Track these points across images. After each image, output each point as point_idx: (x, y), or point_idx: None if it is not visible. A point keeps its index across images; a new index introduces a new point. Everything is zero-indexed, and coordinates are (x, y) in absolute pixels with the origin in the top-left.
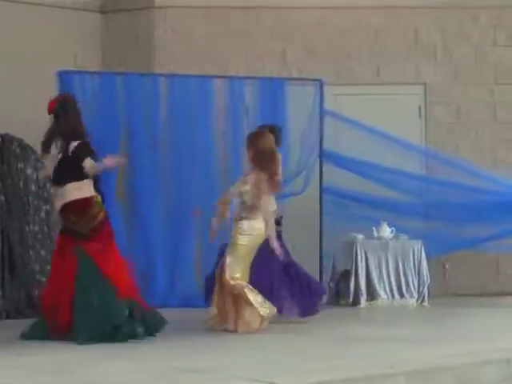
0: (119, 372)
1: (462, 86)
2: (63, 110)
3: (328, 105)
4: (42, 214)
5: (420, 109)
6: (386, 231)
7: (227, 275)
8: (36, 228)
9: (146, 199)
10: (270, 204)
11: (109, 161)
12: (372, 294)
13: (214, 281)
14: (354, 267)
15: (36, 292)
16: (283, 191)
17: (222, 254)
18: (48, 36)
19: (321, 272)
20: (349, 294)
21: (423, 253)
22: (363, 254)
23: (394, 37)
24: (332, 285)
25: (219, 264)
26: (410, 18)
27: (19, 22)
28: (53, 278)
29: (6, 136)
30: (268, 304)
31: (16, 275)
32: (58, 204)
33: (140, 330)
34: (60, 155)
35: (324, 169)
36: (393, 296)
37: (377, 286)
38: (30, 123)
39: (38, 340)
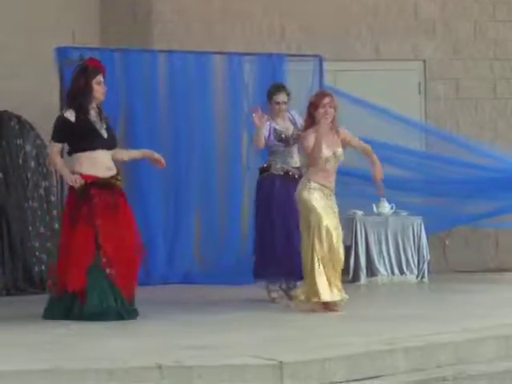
0: (123, 348)
1: (462, 61)
2: None
3: (327, 81)
4: (41, 191)
5: (419, 85)
6: (386, 207)
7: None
8: (35, 204)
9: (145, 175)
10: None
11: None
12: (372, 271)
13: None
14: (353, 244)
15: (36, 269)
16: None
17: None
18: (46, 12)
19: None
20: (348, 270)
21: (423, 229)
22: (363, 231)
23: (393, 12)
24: None
25: None
26: None
27: None
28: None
29: (5, 113)
30: None
31: (14, 252)
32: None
33: None
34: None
35: None
36: (392, 272)
37: (376, 263)
38: (29, 100)
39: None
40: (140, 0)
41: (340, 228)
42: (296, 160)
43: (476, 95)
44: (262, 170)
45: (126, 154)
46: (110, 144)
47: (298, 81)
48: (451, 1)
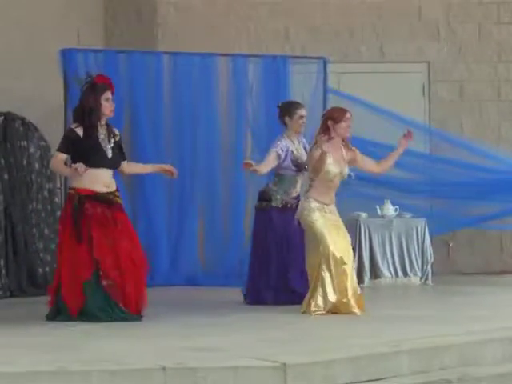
0: (126, 350)
1: (466, 63)
2: None
3: (331, 83)
4: (45, 193)
5: (424, 87)
6: (390, 209)
7: None
8: (39, 206)
9: (149, 177)
10: None
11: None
12: (376, 273)
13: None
14: (357, 246)
15: (40, 270)
16: None
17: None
18: (50, 13)
19: None
20: None
21: (427, 231)
22: (367, 233)
23: (398, 14)
24: None
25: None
26: None
27: None
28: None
29: (9, 114)
30: None
31: (18, 253)
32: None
33: None
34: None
35: None
36: (396, 274)
37: (380, 265)
38: (33, 101)
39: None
40: (144, 1)
41: (348, 237)
42: (298, 188)
43: (480, 97)
44: (262, 198)
45: (139, 168)
46: (112, 163)
47: (302, 83)
48: (455, 3)
